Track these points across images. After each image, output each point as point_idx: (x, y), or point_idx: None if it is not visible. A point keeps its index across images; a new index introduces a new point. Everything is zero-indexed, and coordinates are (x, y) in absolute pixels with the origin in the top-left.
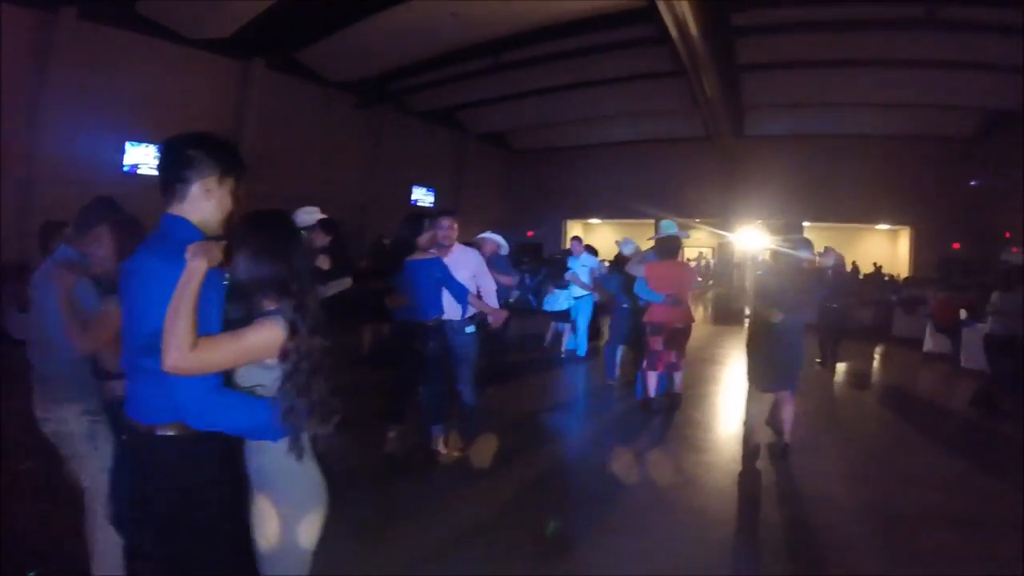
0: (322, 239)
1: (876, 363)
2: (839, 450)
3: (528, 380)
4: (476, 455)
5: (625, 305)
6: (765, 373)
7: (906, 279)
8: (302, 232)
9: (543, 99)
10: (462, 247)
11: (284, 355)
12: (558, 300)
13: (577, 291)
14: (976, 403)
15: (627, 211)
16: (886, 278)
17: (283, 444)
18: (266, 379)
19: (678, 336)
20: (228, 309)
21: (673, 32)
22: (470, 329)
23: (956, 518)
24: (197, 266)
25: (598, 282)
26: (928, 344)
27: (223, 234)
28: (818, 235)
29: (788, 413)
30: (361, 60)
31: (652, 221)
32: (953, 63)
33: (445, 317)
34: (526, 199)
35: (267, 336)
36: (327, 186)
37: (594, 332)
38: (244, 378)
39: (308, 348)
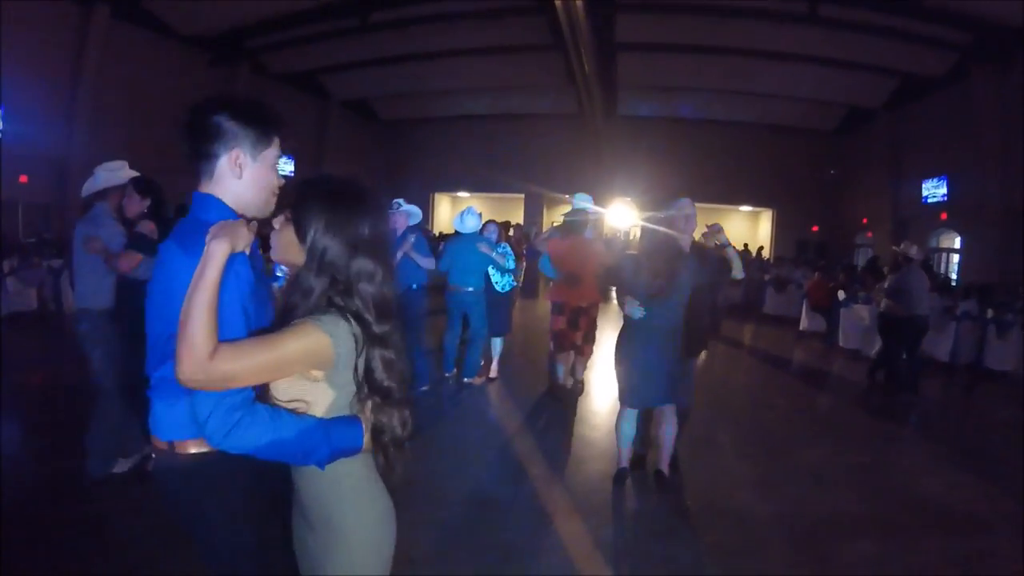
0: (138, 203)
1: (755, 342)
2: (738, 448)
3: None
4: None
5: (454, 287)
6: (637, 385)
7: (776, 259)
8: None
9: (412, 66)
10: None
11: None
12: None
13: None
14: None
15: (497, 185)
16: (764, 258)
17: (345, 467)
18: (310, 394)
19: (581, 316)
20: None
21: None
22: None
23: (874, 523)
24: (216, 250)
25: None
26: (804, 323)
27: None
28: None
29: (666, 432)
30: (217, 12)
31: (521, 195)
32: (825, 60)
33: None
34: (392, 171)
35: (310, 345)
36: (175, 152)
37: None
38: (282, 391)
39: (389, 360)
